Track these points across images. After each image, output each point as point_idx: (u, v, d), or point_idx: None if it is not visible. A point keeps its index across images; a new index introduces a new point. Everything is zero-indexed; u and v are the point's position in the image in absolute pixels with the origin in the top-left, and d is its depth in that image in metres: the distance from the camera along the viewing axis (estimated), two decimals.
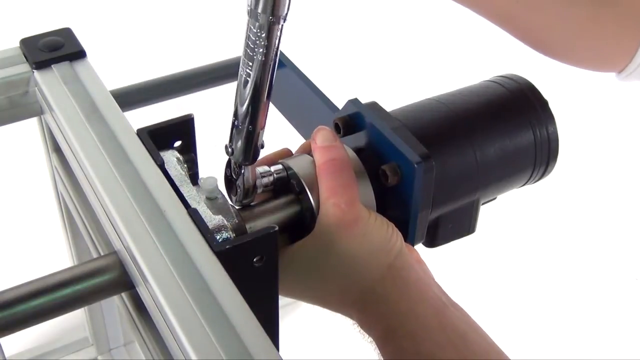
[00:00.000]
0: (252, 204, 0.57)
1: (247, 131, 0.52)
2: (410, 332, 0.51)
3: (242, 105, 0.51)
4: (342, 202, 0.53)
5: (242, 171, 0.54)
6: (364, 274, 0.53)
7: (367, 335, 0.54)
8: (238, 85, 0.51)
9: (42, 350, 1.11)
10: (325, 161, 0.54)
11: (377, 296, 0.53)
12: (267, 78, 0.50)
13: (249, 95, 0.50)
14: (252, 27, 0.48)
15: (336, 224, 0.53)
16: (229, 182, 0.56)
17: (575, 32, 0.59)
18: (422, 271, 0.55)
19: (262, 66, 0.49)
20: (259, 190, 0.56)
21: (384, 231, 0.54)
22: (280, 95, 0.75)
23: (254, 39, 0.48)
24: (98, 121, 0.56)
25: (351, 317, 0.55)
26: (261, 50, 0.48)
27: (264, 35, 0.47)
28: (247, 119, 0.51)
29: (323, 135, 0.56)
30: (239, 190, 0.55)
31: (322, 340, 1.13)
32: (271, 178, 0.56)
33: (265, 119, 0.52)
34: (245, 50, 0.49)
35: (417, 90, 0.71)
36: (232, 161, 0.55)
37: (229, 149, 0.53)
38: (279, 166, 0.57)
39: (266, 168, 0.56)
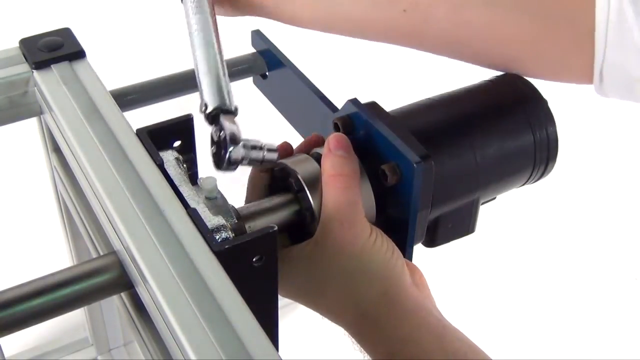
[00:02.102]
0: (250, 202, 0.56)
1: (208, 75, 0.53)
2: (412, 358, 0.51)
3: (196, 53, 0.56)
4: (345, 220, 0.53)
5: (220, 121, 0.53)
6: (359, 295, 0.53)
7: (367, 355, 0.54)
8: (190, 42, 0.57)
9: (42, 350, 1.10)
10: (336, 174, 0.53)
11: (373, 320, 0.53)
12: (211, 22, 0.57)
13: (199, 39, 0.56)
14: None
15: (336, 240, 0.53)
16: (215, 153, 0.54)
17: (529, 49, 0.60)
18: (422, 297, 0.54)
19: (199, 15, 0.57)
20: (246, 162, 0.53)
21: (383, 253, 0.53)
22: (280, 95, 0.76)
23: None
24: (97, 121, 0.56)
25: (350, 334, 0.55)
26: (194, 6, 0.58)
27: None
28: (204, 62, 0.54)
29: (338, 143, 0.55)
30: (222, 143, 0.52)
31: (322, 340, 1.13)
32: (260, 154, 0.53)
33: (224, 65, 0.55)
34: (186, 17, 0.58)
35: (417, 90, 0.71)
36: (208, 116, 0.54)
37: (202, 107, 0.53)
38: (272, 144, 0.54)
39: (258, 141, 0.54)
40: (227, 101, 0.53)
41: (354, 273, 0.53)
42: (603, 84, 0.58)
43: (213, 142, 0.54)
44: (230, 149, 0.52)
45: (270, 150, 0.54)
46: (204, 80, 0.53)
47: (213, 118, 0.53)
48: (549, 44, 0.59)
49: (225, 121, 0.53)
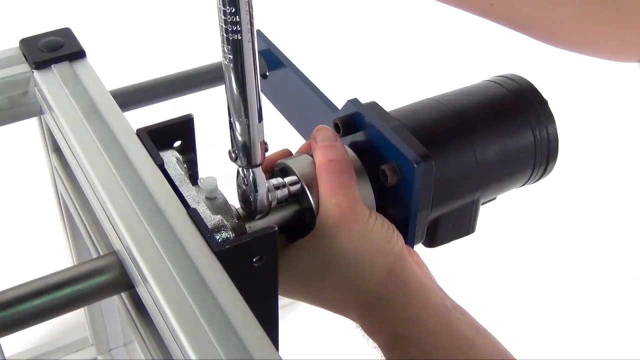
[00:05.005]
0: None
1: (243, 125, 0.50)
2: (417, 339, 0.51)
3: (232, 96, 0.49)
4: (343, 202, 0.53)
5: (251, 176, 0.52)
6: (363, 276, 0.53)
7: (371, 340, 0.54)
8: (225, 77, 0.49)
9: (42, 350, 1.10)
10: (326, 161, 0.54)
11: (379, 301, 0.53)
12: (250, 59, 0.47)
13: (236, 82, 0.48)
14: (220, 6, 0.46)
15: (336, 223, 0.53)
16: (243, 196, 0.54)
17: (589, 26, 0.59)
18: (423, 275, 0.55)
19: (238, 45, 0.47)
20: (274, 204, 0.54)
21: (384, 232, 0.54)
22: (280, 96, 0.75)
23: (224, 17, 0.46)
24: (98, 121, 0.56)
25: (353, 320, 0.55)
26: (234, 27, 0.46)
27: (232, 10, 0.45)
28: (240, 111, 0.49)
29: (324, 135, 0.56)
30: (251, 200, 0.53)
31: (322, 340, 1.13)
32: (285, 191, 0.55)
33: (260, 111, 0.51)
34: (221, 35, 0.47)
35: (417, 90, 0.71)
36: (239, 169, 0.53)
37: (232, 154, 0.52)
38: (293, 177, 0.55)
39: (280, 180, 0.55)
40: (260, 157, 0.52)
41: (356, 254, 0.53)
42: None
43: (239, 183, 0.54)
44: (257, 197, 0.53)
45: (292, 183, 0.55)
46: (240, 133, 0.50)
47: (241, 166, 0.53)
48: (614, 30, 0.59)
49: (254, 173, 0.53)
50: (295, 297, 0.57)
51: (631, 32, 0.59)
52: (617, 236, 1.37)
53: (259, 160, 0.51)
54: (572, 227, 1.38)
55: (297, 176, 0.55)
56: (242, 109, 0.49)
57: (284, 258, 0.54)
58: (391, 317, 0.52)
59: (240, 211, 0.55)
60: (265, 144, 0.52)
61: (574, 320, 1.23)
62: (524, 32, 0.61)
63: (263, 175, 0.53)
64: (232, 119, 0.50)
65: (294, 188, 0.55)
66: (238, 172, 0.54)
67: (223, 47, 0.47)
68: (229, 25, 0.46)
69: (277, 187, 0.54)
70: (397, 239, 0.54)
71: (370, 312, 0.53)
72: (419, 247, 0.60)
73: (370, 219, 0.53)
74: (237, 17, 0.45)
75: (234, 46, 0.47)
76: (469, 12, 0.60)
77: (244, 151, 0.51)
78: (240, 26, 0.46)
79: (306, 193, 0.54)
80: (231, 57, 0.47)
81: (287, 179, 0.55)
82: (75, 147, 0.54)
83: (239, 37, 0.46)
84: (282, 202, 0.55)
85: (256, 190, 0.53)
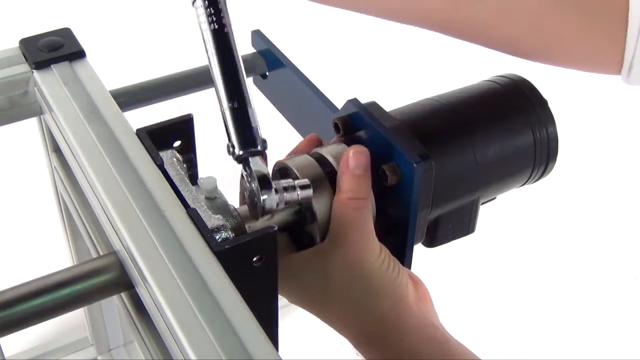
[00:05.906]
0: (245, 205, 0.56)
1: (233, 111, 0.49)
2: None
3: (218, 84, 0.50)
4: (357, 240, 0.53)
5: (250, 166, 0.50)
6: (364, 312, 0.54)
7: None
8: (210, 68, 0.50)
9: (42, 350, 1.10)
10: (352, 198, 0.53)
11: (376, 336, 0.54)
12: (231, 46, 0.50)
13: (220, 68, 0.50)
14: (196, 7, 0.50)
15: (346, 258, 0.53)
16: (250, 196, 0.52)
17: (558, 36, 0.59)
18: (425, 312, 0.55)
19: (216, 34, 0.50)
20: (281, 206, 0.51)
21: (390, 273, 0.54)
22: (280, 95, 0.76)
23: (200, 14, 0.50)
24: (97, 121, 0.56)
25: (352, 345, 0.55)
26: (209, 19, 0.50)
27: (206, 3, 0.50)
28: (228, 95, 0.49)
29: (359, 161, 0.54)
30: (255, 191, 0.50)
31: (322, 340, 1.13)
32: (295, 194, 0.51)
33: (249, 95, 0.50)
34: (200, 32, 0.50)
35: (417, 90, 0.71)
36: (242, 171, 0.51)
37: (230, 148, 0.50)
38: (305, 180, 0.53)
39: (290, 181, 0.52)
40: (256, 141, 0.50)
41: (361, 291, 0.53)
42: (631, 74, 0.58)
43: (244, 185, 0.52)
44: (264, 197, 0.50)
45: (303, 187, 0.52)
46: (230, 118, 0.50)
47: (241, 160, 0.51)
48: (584, 37, 0.59)
49: (253, 164, 0.50)
50: (297, 305, 0.57)
51: (601, 36, 0.58)
52: (617, 236, 1.37)
53: (257, 145, 0.50)
54: (571, 227, 1.38)
55: (297, 176, 0.55)
56: (228, 94, 0.50)
57: (288, 267, 0.54)
58: (388, 350, 0.53)
59: (240, 211, 0.55)
60: (264, 141, 0.51)
61: (574, 320, 1.23)
62: (477, 41, 0.61)
63: (264, 165, 0.51)
64: (223, 108, 0.50)
65: (302, 193, 0.52)
66: (242, 175, 0.52)
67: (204, 43, 0.50)
68: (205, 19, 0.50)
69: (285, 189, 0.51)
70: (402, 278, 0.55)
71: (369, 342, 0.54)
72: (419, 247, 0.60)
73: (379, 257, 0.54)
74: (211, 9, 0.50)
75: (211, 36, 0.50)
76: (418, 26, 0.60)
77: (240, 138, 0.50)
78: (215, 17, 0.50)
79: (313, 210, 0.54)
80: (212, 46, 0.50)
81: (297, 182, 0.52)
82: (75, 147, 0.54)
83: (215, 27, 0.50)
84: (291, 203, 0.53)
85: (256, 180, 0.50)
